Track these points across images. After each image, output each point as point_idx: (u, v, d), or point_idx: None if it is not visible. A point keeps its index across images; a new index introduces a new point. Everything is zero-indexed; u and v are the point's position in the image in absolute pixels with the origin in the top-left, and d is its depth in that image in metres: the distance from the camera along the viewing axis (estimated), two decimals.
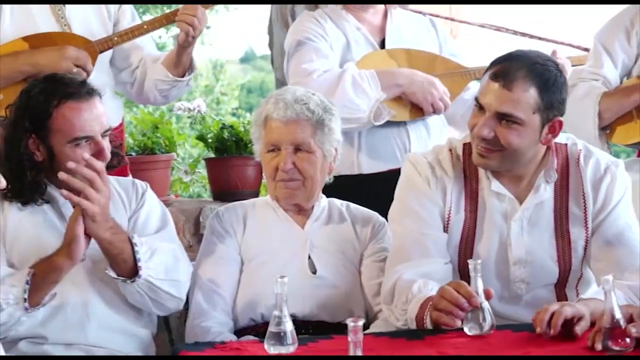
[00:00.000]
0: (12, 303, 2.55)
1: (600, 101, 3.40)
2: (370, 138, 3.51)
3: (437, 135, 3.56)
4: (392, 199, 2.85)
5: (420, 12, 3.76)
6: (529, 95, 2.55)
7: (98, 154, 2.69)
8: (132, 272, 2.64)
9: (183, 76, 3.45)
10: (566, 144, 2.73)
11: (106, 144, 2.73)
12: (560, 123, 2.65)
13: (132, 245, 2.64)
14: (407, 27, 3.66)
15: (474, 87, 3.55)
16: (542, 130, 2.61)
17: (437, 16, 3.74)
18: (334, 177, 3.00)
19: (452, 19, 3.69)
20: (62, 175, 2.57)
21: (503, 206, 2.71)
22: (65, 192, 2.57)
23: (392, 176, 3.01)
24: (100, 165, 2.61)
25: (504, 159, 2.62)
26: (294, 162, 2.84)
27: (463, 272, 2.67)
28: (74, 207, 2.58)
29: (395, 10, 3.67)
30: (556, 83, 2.61)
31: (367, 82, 3.43)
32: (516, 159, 2.64)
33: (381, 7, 3.63)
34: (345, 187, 3.09)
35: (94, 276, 2.75)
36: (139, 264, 2.63)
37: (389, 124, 3.48)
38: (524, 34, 3.54)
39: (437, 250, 2.69)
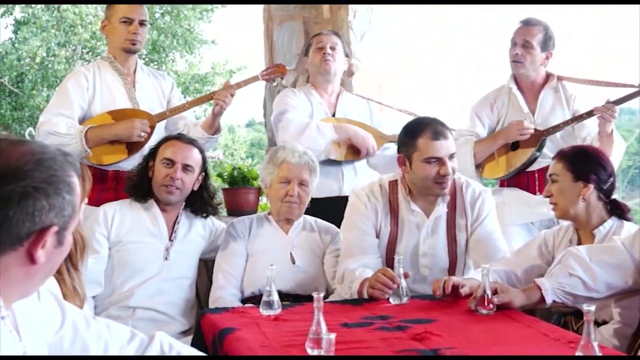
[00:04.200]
0: None
1: (474, 146, 3.44)
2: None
3: (362, 176, 3.52)
4: (330, 215, 2.95)
5: (360, 96, 3.79)
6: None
7: (174, 176, 2.86)
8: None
9: (214, 135, 3.43)
10: (454, 178, 2.78)
11: (182, 175, 2.88)
12: None
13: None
14: (350, 105, 3.66)
15: (392, 147, 3.50)
16: None
17: (371, 99, 3.79)
18: None
19: (380, 103, 3.75)
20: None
21: (416, 219, 2.73)
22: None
23: (332, 201, 3.21)
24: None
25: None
26: (298, 191, 2.87)
27: (389, 263, 2.70)
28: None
29: (344, 93, 3.68)
30: None
31: (325, 128, 3.44)
32: None
33: (336, 89, 3.64)
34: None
35: (165, 274, 2.88)
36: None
37: (329, 165, 3.46)
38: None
39: (371, 250, 2.71)
